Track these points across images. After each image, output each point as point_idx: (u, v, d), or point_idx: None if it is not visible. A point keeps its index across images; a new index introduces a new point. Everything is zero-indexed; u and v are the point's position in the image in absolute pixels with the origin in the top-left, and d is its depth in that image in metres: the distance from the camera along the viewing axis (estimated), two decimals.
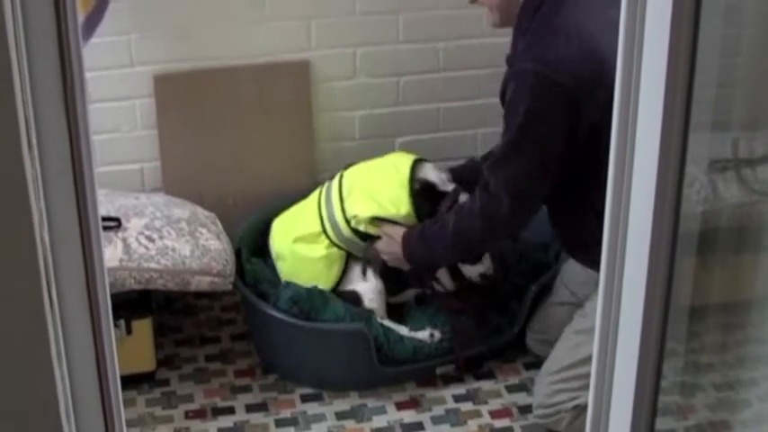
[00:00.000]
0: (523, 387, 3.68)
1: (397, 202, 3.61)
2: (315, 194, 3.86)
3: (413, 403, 3.63)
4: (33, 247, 1.55)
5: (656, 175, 1.72)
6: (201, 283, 3.60)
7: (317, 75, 4.31)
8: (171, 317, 4.10)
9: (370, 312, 3.69)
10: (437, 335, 3.67)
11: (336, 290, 3.72)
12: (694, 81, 1.67)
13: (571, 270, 3.62)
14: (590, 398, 2.03)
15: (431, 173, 3.70)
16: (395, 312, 3.79)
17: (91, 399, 1.76)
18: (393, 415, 3.58)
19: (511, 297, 3.83)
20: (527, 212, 3.38)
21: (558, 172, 3.24)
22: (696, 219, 1.97)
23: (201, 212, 3.92)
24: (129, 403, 3.53)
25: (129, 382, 3.52)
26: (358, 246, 3.72)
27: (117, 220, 3.64)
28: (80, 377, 1.73)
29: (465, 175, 3.68)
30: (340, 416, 3.57)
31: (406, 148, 4.46)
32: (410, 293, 3.86)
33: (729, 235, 2.10)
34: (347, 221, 3.67)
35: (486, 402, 3.63)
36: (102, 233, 1.73)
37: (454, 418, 3.56)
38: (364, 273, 3.73)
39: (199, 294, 4.09)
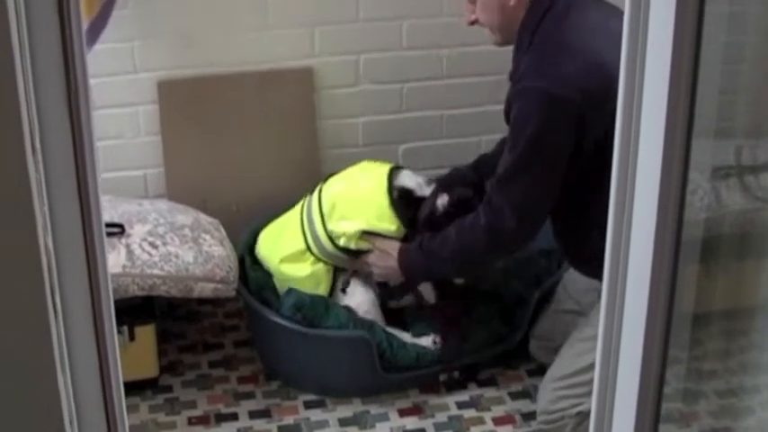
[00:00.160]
0: (526, 394, 3.68)
1: (384, 217, 3.60)
2: (297, 208, 3.85)
3: (416, 410, 3.62)
4: (37, 253, 1.55)
5: (659, 182, 1.72)
6: (205, 289, 3.60)
7: (320, 81, 4.32)
8: (174, 323, 4.10)
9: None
10: (440, 341, 3.67)
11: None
12: (697, 88, 1.67)
13: (573, 278, 3.62)
14: (593, 404, 2.03)
15: (407, 179, 3.68)
16: (397, 318, 3.79)
17: (94, 405, 1.77)
18: (396, 421, 3.57)
19: (513, 304, 3.83)
20: (532, 228, 3.36)
21: (563, 186, 3.22)
22: (699, 226, 1.97)
23: (205, 219, 3.92)
24: (132, 409, 3.53)
25: (133, 388, 3.53)
26: (343, 260, 3.72)
27: (120, 226, 3.64)
28: (83, 383, 1.73)
29: (450, 184, 3.66)
30: (343, 422, 3.57)
31: (409, 154, 4.47)
32: (409, 298, 3.85)
33: (732, 242, 2.10)
34: (330, 237, 3.66)
35: (488, 409, 3.63)
36: (106, 239, 1.73)
37: (457, 424, 3.56)
38: (344, 290, 3.71)
39: (202, 301, 4.09)
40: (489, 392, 3.71)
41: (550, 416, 3.38)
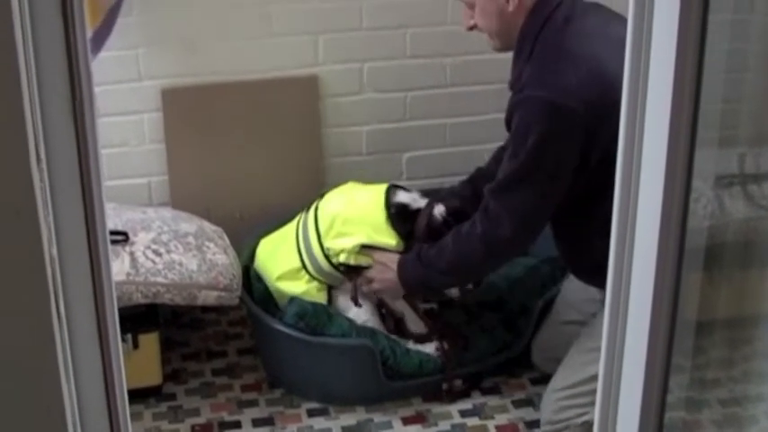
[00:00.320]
0: (530, 402, 3.67)
1: (383, 231, 3.60)
2: (293, 224, 3.85)
3: (419, 418, 3.62)
4: (41, 261, 1.55)
5: (662, 191, 1.72)
6: (208, 297, 3.60)
7: (324, 90, 4.32)
8: (178, 331, 4.10)
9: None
10: (443, 349, 3.67)
11: None
12: (700, 97, 1.68)
13: (572, 288, 3.62)
14: (596, 413, 2.03)
15: (401, 195, 3.67)
16: (399, 328, 3.79)
17: (98, 413, 1.77)
18: (399, 430, 3.57)
19: (517, 313, 3.83)
20: (528, 237, 3.35)
21: (564, 196, 3.21)
22: (702, 234, 1.97)
23: (209, 227, 3.92)
24: (135, 417, 3.53)
25: (136, 396, 3.52)
26: (338, 278, 3.71)
27: (124, 234, 3.64)
28: (88, 391, 1.74)
29: (449, 201, 3.65)
30: (346, 430, 3.56)
31: (413, 163, 4.48)
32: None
33: (735, 250, 2.10)
34: (326, 255, 3.66)
35: (492, 417, 3.63)
36: (110, 247, 1.74)
37: None
38: (357, 303, 3.71)
39: (206, 309, 4.09)
40: (493, 401, 3.71)
41: (554, 426, 3.38)
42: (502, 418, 3.62)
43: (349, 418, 3.62)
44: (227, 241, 3.89)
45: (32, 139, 1.51)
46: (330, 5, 4.23)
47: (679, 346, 1.87)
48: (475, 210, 3.35)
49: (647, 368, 1.84)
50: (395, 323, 3.79)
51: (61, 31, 1.55)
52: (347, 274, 3.67)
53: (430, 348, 3.68)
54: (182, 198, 4.21)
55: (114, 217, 3.75)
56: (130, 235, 3.65)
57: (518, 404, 3.68)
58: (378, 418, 3.62)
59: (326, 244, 3.64)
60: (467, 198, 3.60)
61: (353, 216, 3.64)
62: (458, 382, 3.71)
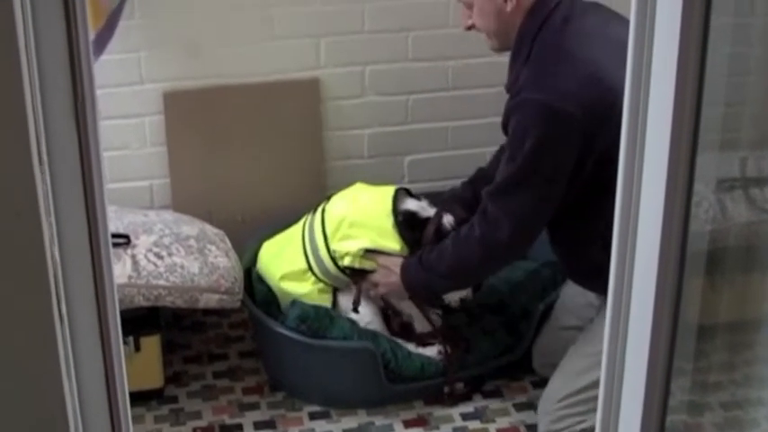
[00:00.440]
0: (531, 405, 3.67)
1: (388, 235, 3.60)
2: (298, 226, 3.85)
3: (420, 421, 3.62)
4: (44, 264, 1.55)
5: (664, 194, 1.72)
6: (210, 300, 3.60)
7: (326, 92, 4.32)
8: (179, 334, 4.10)
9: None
10: (444, 352, 3.67)
11: None
12: (702, 100, 1.68)
13: (571, 293, 3.62)
14: (598, 416, 2.03)
15: (410, 203, 3.67)
16: (404, 328, 3.79)
17: (100, 415, 1.77)
18: None
19: (519, 316, 3.83)
20: (526, 240, 3.35)
21: (561, 199, 3.21)
22: (704, 238, 1.97)
23: (210, 230, 3.92)
24: (137, 420, 3.54)
25: (138, 398, 3.51)
26: (344, 281, 3.71)
27: (126, 237, 3.64)
28: (89, 393, 1.74)
29: (447, 207, 3.65)
30: None
31: (414, 166, 4.48)
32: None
33: (737, 254, 2.10)
34: (333, 259, 3.66)
35: (493, 421, 3.63)
36: (112, 250, 1.74)
37: None
38: (356, 309, 3.71)
39: (207, 311, 4.09)
40: (494, 404, 3.71)
41: None
42: (503, 422, 3.62)
43: (350, 421, 3.62)
44: (229, 244, 3.89)
45: (35, 140, 1.51)
46: (332, 8, 4.23)
47: (681, 350, 1.87)
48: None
49: (649, 371, 1.84)
50: (400, 325, 3.79)
51: (64, 34, 1.55)
52: (352, 277, 3.67)
53: (431, 351, 3.68)
54: (183, 201, 4.21)
55: (116, 220, 3.75)
56: (132, 238, 3.65)
57: (519, 407, 3.68)
58: (379, 421, 3.62)
59: (333, 246, 3.64)
60: (468, 200, 3.59)
61: (359, 219, 3.64)
62: (459, 386, 3.71)
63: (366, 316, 3.70)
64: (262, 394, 3.77)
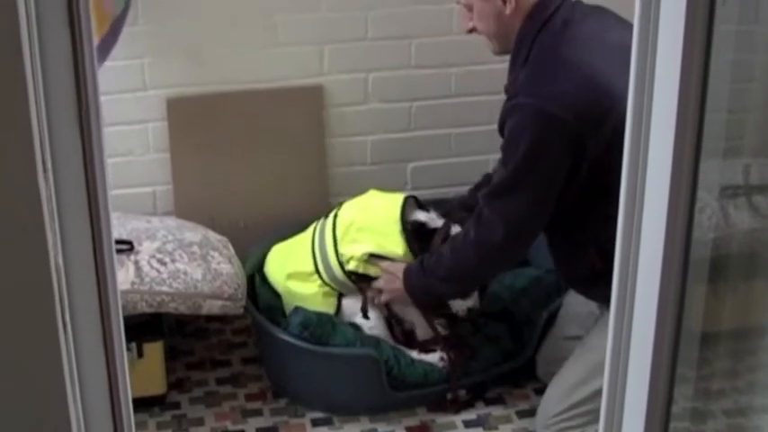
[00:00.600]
0: (534, 413, 3.66)
1: (392, 241, 3.60)
2: (309, 230, 3.86)
3: (423, 428, 3.62)
4: (47, 270, 1.55)
5: (667, 201, 1.72)
6: (213, 306, 3.61)
7: (329, 99, 4.33)
8: (182, 340, 4.10)
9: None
10: (447, 358, 3.67)
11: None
12: (706, 107, 1.68)
13: (574, 302, 3.62)
14: (600, 425, 2.03)
15: (419, 214, 3.68)
16: (406, 336, 3.79)
17: (103, 421, 1.77)
18: None
19: (523, 323, 3.83)
20: (522, 243, 3.35)
21: (558, 204, 3.21)
22: (707, 245, 1.97)
23: (213, 236, 3.92)
24: (140, 426, 3.53)
25: (140, 405, 3.53)
26: (350, 287, 3.72)
27: (129, 243, 3.65)
28: (93, 399, 1.74)
29: (454, 214, 3.66)
30: None
31: (418, 173, 4.48)
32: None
33: (740, 261, 2.10)
34: (340, 264, 3.67)
35: (496, 428, 3.62)
36: (115, 256, 1.74)
37: None
38: (366, 316, 3.71)
39: (210, 318, 4.09)
40: (497, 411, 3.70)
41: None
42: (506, 429, 3.62)
43: (353, 428, 3.62)
44: (232, 250, 3.89)
45: (39, 147, 1.51)
46: (335, 15, 4.24)
47: (684, 357, 1.86)
48: None
49: (652, 378, 1.84)
50: (403, 333, 3.79)
51: (68, 40, 1.56)
52: (357, 283, 3.67)
53: (434, 358, 3.68)
54: (186, 207, 4.21)
55: (119, 226, 3.75)
56: (135, 244, 3.66)
57: (522, 414, 3.68)
58: (382, 428, 3.62)
59: (341, 249, 3.64)
60: (474, 206, 3.59)
61: (367, 224, 3.65)
62: (462, 393, 3.71)
63: (371, 321, 3.70)
64: (264, 401, 3.77)
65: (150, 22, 4.03)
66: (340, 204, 3.83)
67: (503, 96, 3.30)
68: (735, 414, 2.25)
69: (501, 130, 3.22)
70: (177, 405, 3.74)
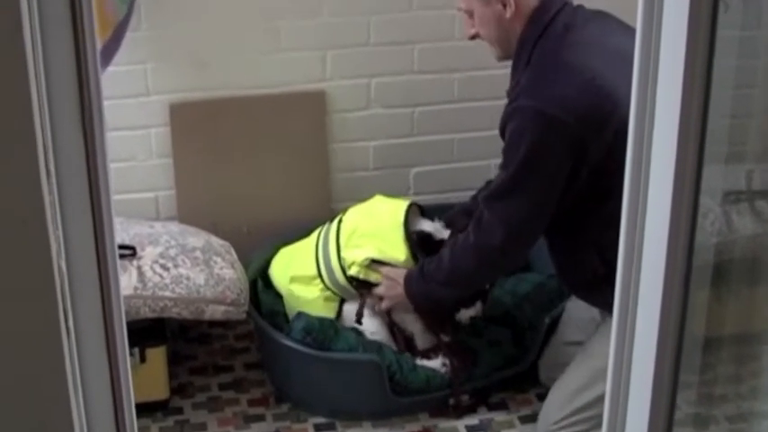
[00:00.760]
0: (536, 418, 3.66)
1: (394, 246, 3.60)
2: (315, 235, 3.86)
3: None
4: (50, 275, 1.55)
5: (670, 206, 1.72)
6: (216, 311, 3.60)
7: (331, 105, 4.33)
8: (185, 345, 4.10)
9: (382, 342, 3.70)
10: (450, 364, 3.67)
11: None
12: (708, 112, 1.68)
13: (576, 308, 3.61)
14: (603, 429, 2.02)
15: (425, 224, 3.68)
16: (407, 344, 3.79)
17: (106, 427, 1.77)
18: None
19: (525, 328, 3.83)
20: (521, 246, 3.35)
21: (558, 208, 3.21)
22: (710, 250, 1.97)
23: (216, 241, 3.93)
24: (142, 431, 3.53)
25: (143, 410, 3.53)
26: (351, 293, 3.72)
27: (132, 248, 3.65)
28: (96, 404, 1.74)
29: (458, 222, 3.66)
30: None
31: (420, 178, 4.48)
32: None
33: (743, 266, 2.10)
34: (343, 269, 3.67)
35: None
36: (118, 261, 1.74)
37: None
38: (359, 321, 3.71)
39: (213, 323, 4.09)
40: (499, 416, 3.70)
41: None
42: None
43: None
44: (235, 256, 3.89)
45: (42, 152, 1.51)
46: (338, 21, 4.24)
47: (686, 362, 1.86)
48: None
49: (655, 384, 1.84)
50: (405, 340, 3.78)
51: (71, 45, 1.56)
52: (358, 289, 3.67)
53: (437, 364, 3.68)
54: (189, 212, 4.21)
55: (122, 231, 3.75)
56: (138, 249, 3.66)
57: (524, 420, 3.68)
58: None
59: (344, 254, 3.65)
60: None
61: (370, 230, 3.66)
62: (465, 398, 3.71)
63: (371, 326, 3.70)
64: (267, 406, 3.77)
65: (153, 27, 4.04)
66: (346, 209, 3.84)
67: (505, 101, 3.30)
68: (737, 419, 2.25)
69: (502, 133, 3.22)
70: (180, 410, 3.74)
